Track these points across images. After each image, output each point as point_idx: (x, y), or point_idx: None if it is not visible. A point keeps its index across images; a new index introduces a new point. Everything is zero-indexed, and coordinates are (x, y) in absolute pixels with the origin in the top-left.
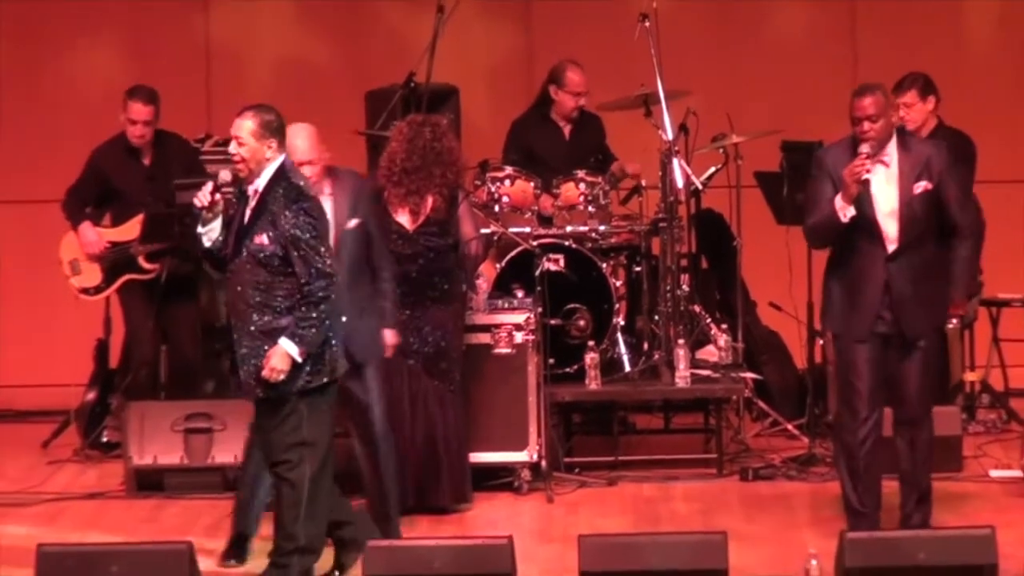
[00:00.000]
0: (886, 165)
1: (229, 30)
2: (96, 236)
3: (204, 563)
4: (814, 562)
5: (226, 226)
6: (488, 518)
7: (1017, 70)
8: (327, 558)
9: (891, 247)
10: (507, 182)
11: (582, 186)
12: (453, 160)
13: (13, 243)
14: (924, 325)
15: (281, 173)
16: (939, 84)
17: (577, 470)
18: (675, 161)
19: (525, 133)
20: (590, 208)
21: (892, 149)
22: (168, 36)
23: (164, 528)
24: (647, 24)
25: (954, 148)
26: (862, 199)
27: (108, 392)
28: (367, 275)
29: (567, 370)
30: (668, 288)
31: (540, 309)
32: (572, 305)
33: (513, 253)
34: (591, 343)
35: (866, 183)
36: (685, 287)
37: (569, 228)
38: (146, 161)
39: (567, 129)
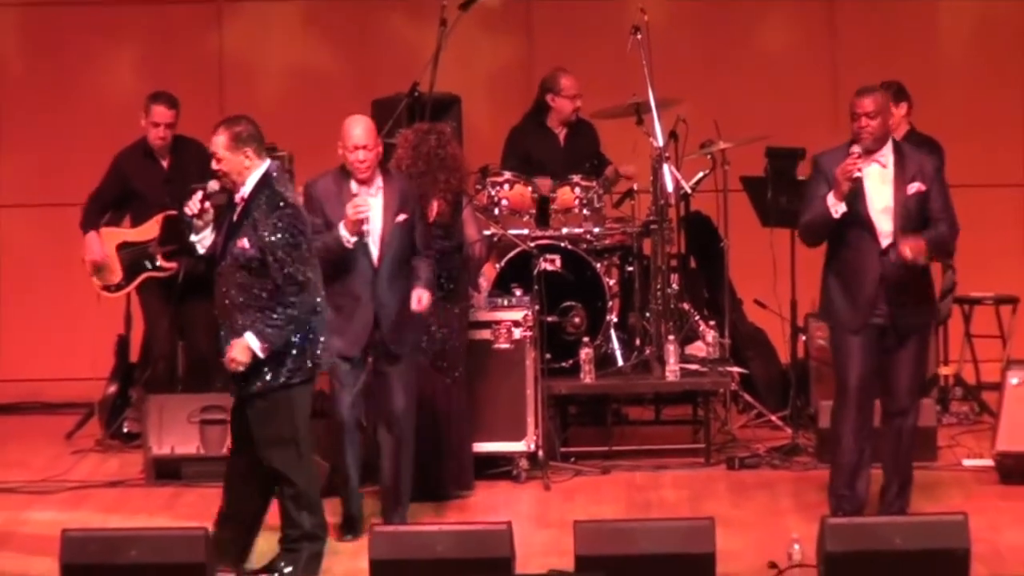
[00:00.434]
0: (883, 166)
1: (241, 42)
2: (99, 246)
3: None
4: (797, 546)
5: (216, 233)
6: (488, 505)
7: (988, 80)
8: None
9: (885, 241)
10: (506, 186)
11: (577, 190)
12: (457, 166)
13: (39, 244)
14: (916, 318)
15: (266, 180)
16: (915, 93)
17: (573, 459)
18: (665, 167)
19: (523, 140)
20: (585, 211)
21: (888, 151)
22: (184, 47)
23: (181, 514)
24: (639, 37)
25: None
26: (855, 196)
27: (128, 385)
28: (408, 269)
29: (563, 364)
30: (659, 287)
31: (537, 307)
32: (568, 303)
33: (512, 254)
34: (586, 339)
35: (857, 181)
36: (675, 286)
37: (565, 230)
38: (164, 164)
39: (563, 136)
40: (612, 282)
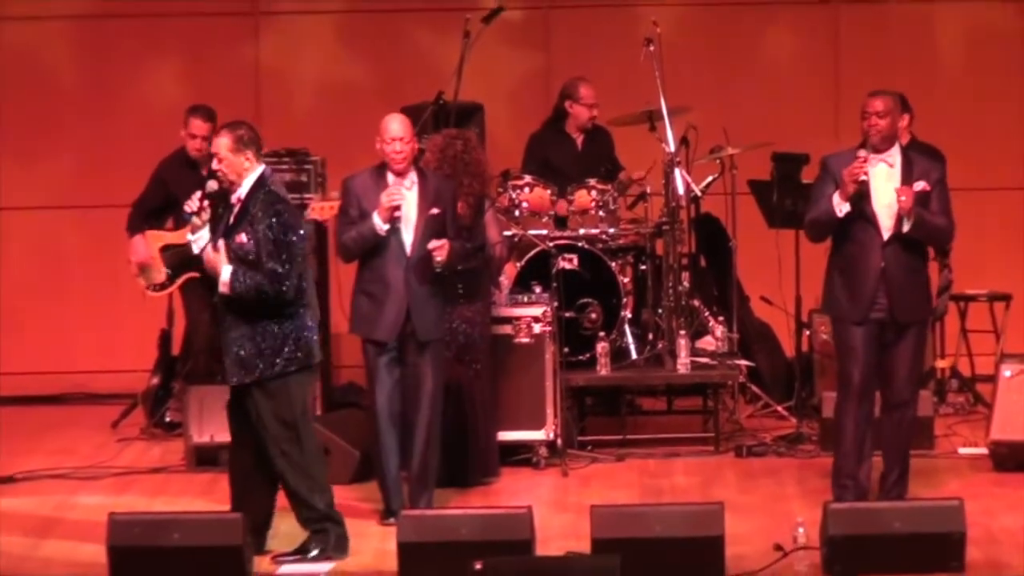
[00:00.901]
0: (890, 165)
1: (277, 53)
2: (144, 247)
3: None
4: (801, 530)
5: (212, 232)
6: (509, 490)
7: (985, 90)
8: None
9: (886, 235)
10: (526, 189)
11: (593, 193)
12: (480, 171)
13: (86, 245)
14: (915, 311)
15: (261, 182)
16: (914, 102)
17: (589, 447)
18: (676, 171)
19: (542, 145)
20: (600, 213)
21: (896, 153)
22: (222, 58)
23: (219, 499)
24: (652, 48)
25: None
26: (859, 196)
27: (170, 377)
28: None
29: (580, 358)
30: (670, 284)
31: (556, 303)
32: (584, 300)
33: (532, 253)
34: (601, 334)
35: (863, 184)
36: (686, 284)
37: (582, 231)
38: (203, 172)
39: (580, 141)
40: (626, 280)
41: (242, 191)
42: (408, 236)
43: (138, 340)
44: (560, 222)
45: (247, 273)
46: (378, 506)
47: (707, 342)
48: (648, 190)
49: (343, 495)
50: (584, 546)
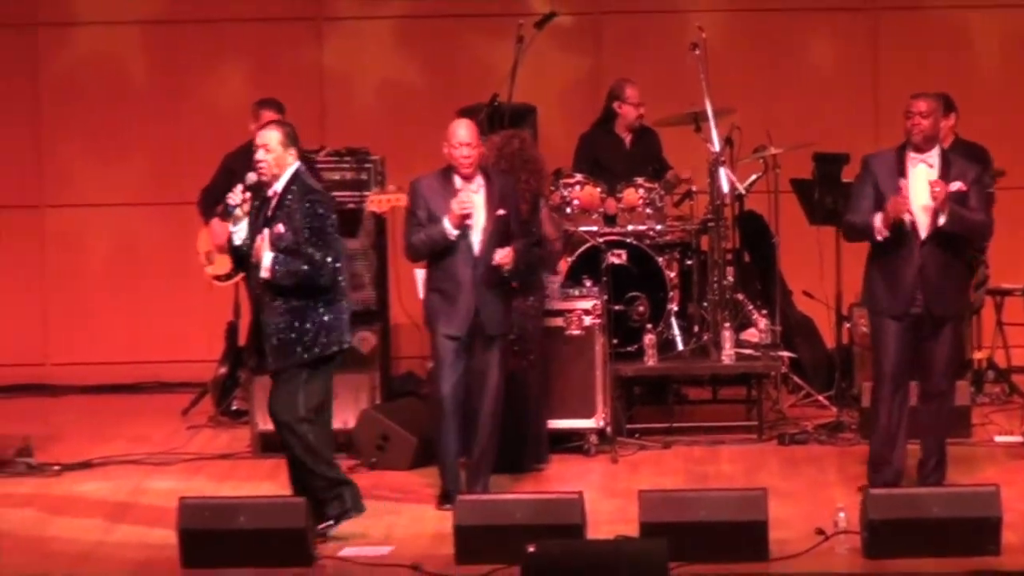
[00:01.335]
0: (930, 166)
1: (339, 56)
2: (224, 229)
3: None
4: (842, 514)
5: (250, 225)
6: (561, 476)
7: (1020, 94)
8: None
9: (924, 233)
10: (577, 187)
11: (641, 191)
12: (537, 169)
13: (157, 239)
14: (951, 307)
15: (296, 177)
16: (955, 102)
17: (637, 435)
18: (721, 170)
19: (591, 145)
20: (648, 210)
21: (936, 155)
22: (287, 61)
23: (284, 484)
24: (697, 52)
25: (972, 156)
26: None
27: (237, 367)
28: None
29: (629, 349)
30: (715, 279)
31: (605, 297)
32: (633, 293)
33: (582, 249)
34: (649, 326)
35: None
36: (730, 278)
37: (630, 227)
38: None
39: (628, 141)
40: (673, 275)
41: (278, 186)
42: (476, 237)
43: (207, 331)
44: (609, 219)
45: (287, 259)
46: (436, 491)
47: (751, 334)
48: (694, 188)
49: (402, 480)
50: (633, 530)
